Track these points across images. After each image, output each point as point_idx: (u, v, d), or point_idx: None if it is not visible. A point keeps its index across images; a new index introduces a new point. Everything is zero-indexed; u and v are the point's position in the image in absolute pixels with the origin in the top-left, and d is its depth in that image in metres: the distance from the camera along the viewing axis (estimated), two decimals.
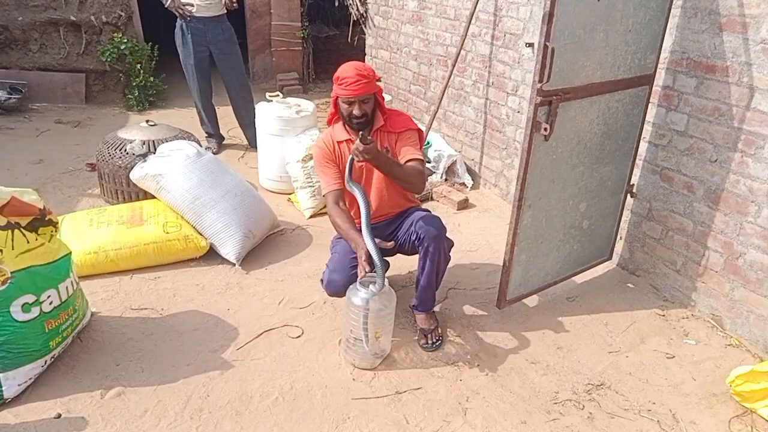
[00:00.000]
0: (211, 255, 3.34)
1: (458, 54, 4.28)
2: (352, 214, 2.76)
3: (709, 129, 2.81)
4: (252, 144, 5.12)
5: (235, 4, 4.73)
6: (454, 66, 4.34)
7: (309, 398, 2.38)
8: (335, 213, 2.64)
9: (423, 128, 4.49)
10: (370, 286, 2.39)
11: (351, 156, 2.47)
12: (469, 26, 4.17)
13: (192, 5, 4.64)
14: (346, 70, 2.56)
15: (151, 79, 6.47)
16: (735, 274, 2.80)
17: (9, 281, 2.18)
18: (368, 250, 2.40)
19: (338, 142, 2.72)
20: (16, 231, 2.25)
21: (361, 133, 2.35)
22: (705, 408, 2.40)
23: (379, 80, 2.65)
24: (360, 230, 2.50)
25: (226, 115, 5.41)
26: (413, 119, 2.89)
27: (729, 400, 2.43)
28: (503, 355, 2.68)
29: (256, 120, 4.42)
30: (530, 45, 3.80)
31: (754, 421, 2.34)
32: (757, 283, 2.70)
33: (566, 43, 2.40)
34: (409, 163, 2.62)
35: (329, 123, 2.80)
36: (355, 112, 2.59)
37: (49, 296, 2.32)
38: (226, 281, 3.18)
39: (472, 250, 3.60)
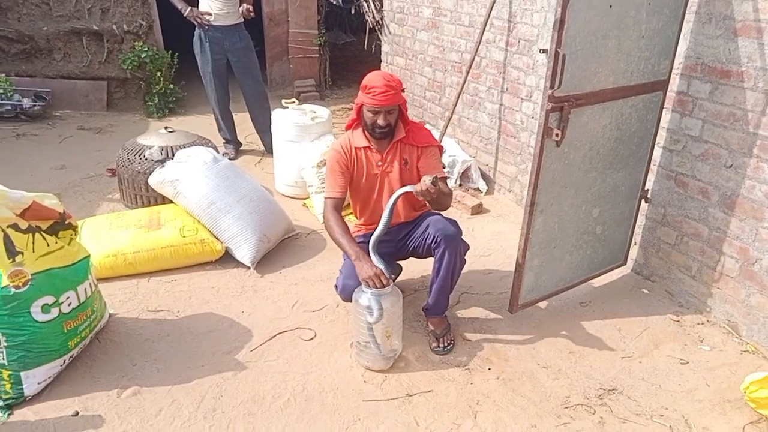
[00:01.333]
0: (227, 259, 3.39)
1: (473, 60, 4.30)
2: (358, 210, 2.88)
3: (724, 134, 2.79)
4: (269, 150, 5.18)
5: (252, 14, 4.80)
6: (468, 72, 4.35)
7: (320, 400, 2.41)
8: (333, 220, 2.67)
9: (438, 133, 4.53)
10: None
11: (405, 190, 2.46)
12: (483, 33, 4.19)
13: (210, 14, 4.72)
14: (375, 79, 2.57)
15: (171, 86, 6.59)
16: (751, 280, 2.77)
17: (29, 283, 2.24)
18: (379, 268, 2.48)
19: (356, 148, 2.75)
20: (37, 234, 2.31)
21: (435, 176, 2.34)
22: (719, 414, 2.38)
23: (403, 90, 2.67)
24: (354, 238, 2.61)
25: (243, 121, 5.48)
26: (428, 126, 2.92)
27: (743, 406, 2.41)
28: (515, 360, 2.69)
29: (272, 126, 4.47)
30: (544, 51, 3.81)
31: None
32: None
33: (578, 50, 2.41)
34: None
35: (348, 128, 2.82)
36: (380, 122, 2.60)
37: (68, 298, 2.38)
38: (240, 284, 3.22)
39: (485, 255, 3.61)
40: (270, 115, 4.68)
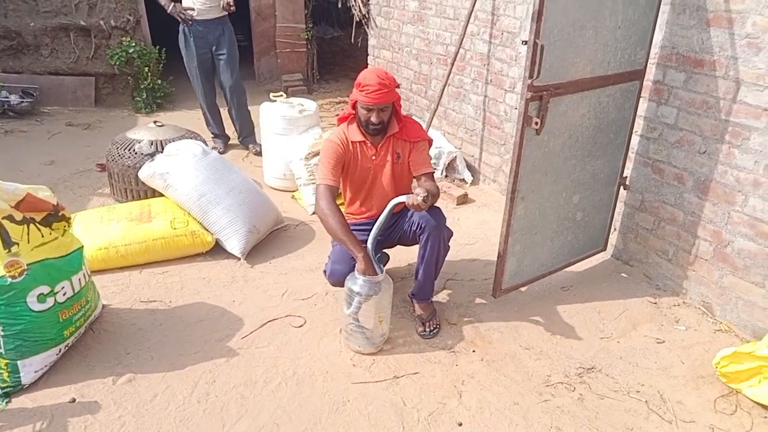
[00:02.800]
0: (217, 250, 3.45)
1: (457, 53, 4.38)
2: (347, 200, 2.94)
3: (698, 122, 2.89)
4: (247, 145, 5.29)
5: (232, 8, 4.83)
6: (453, 64, 4.43)
7: (311, 383, 2.49)
8: (330, 211, 2.65)
9: (424, 125, 4.60)
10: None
11: (399, 200, 2.54)
12: (467, 25, 4.27)
13: (193, 9, 4.76)
14: (369, 77, 2.61)
15: (159, 81, 6.62)
16: (724, 262, 2.88)
17: (25, 273, 2.30)
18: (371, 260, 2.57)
19: (353, 142, 2.80)
20: (32, 225, 2.37)
21: (427, 193, 2.42)
22: (692, 389, 2.49)
23: (398, 87, 2.72)
24: (351, 230, 2.65)
25: None
26: (415, 119, 2.99)
27: (716, 381, 2.52)
28: (498, 342, 2.78)
29: (260, 119, 4.52)
30: (527, 42, 3.88)
31: (739, 400, 2.42)
32: (744, 270, 2.78)
33: (556, 40, 2.49)
34: (426, 182, 2.71)
35: (341, 121, 2.86)
36: (373, 119, 2.66)
37: (62, 287, 2.44)
38: (231, 274, 3.29)
39: (470, 243, 3.70)
40: (248, 113, 4.84)
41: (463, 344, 2.76)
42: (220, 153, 5.07)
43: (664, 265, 3.20)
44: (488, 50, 4.30)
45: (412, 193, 2.47)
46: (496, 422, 2.32)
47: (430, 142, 2.91)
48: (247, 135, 5.33)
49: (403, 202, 2.53)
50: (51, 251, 2.43)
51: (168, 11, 4.79)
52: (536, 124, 2.58)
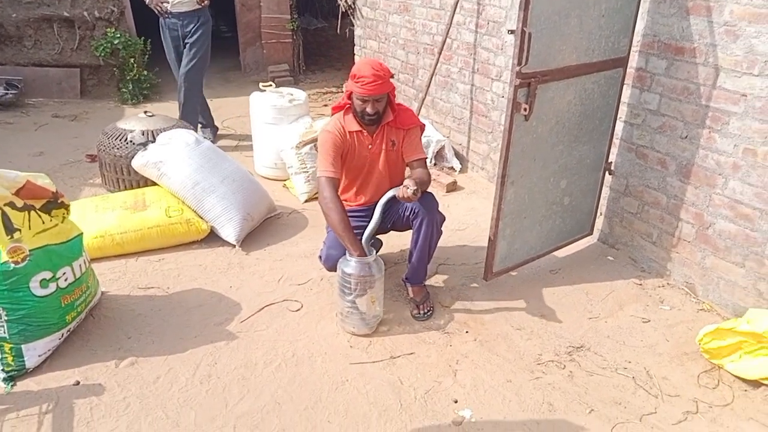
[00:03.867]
0: (212, 238, 3.50)
1: (444, 42, 4.44)
2: (342, 187, 2.97)
3: (680, 107, 2.99)
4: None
5: (205, 1, 4.81)
6: (440, 54, 4.50)
7: (310, 364, 2.56)
8: (333, 204, 2.67)
9: None
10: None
11: (390, 194, 2.64)
12: (453, 15, 4.33)
13: (167, 2, 4.75)
14: (364, 68, 2.66)
15: (145, 72, 6.59)
16: (706, 243, 2.99)
17: (28, 258, 2.34)
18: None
19: (350, 132, 2.85)
20: (32, 212, 2.40)
21: (416, 186, 2.51)
22: (676, 365, 2.60)
23: (392, 77, 2.77)
24: (351, 228, 2.68)
25: (219, 106, 5.55)
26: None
27: (699, 358, 2.63)
28: (490, 323, 2.87)
29: (250, 108, 4.53)
30: (512, 32, 3.93)
31: (721, 375, 2.54)
32: (725, 250, 2.90)
33: (542, 28, 2.57)
34: (417, 169, 2.81)
35: (335, 110, 2.90)
36: (369, 110, 2.72)
37: (64, 273, 2.48)
38: (227, 261, 3.34)
39: (460, 229, 3.78)
40: (191, 105, 4.96)
41: (457, 325, 2.84)
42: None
43: (649, 247, 3.31)
44: (474, 39, 4.37)
45: (402, 186, 2.54)
46: (490, 399, 2.40)
47: (422, 127, 2.98)
48: (185, 112, 5.08)
49: (395, 196, 2.60)
50: (52, 237, 2.46)
51: (146, 2, 4.79)
52: (525, 110, 2.66)
